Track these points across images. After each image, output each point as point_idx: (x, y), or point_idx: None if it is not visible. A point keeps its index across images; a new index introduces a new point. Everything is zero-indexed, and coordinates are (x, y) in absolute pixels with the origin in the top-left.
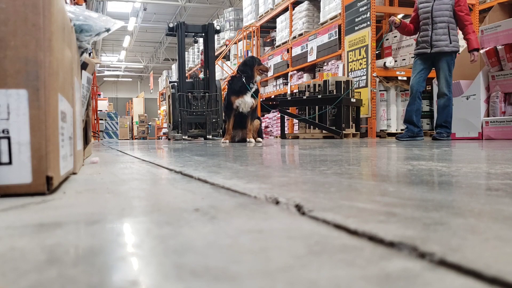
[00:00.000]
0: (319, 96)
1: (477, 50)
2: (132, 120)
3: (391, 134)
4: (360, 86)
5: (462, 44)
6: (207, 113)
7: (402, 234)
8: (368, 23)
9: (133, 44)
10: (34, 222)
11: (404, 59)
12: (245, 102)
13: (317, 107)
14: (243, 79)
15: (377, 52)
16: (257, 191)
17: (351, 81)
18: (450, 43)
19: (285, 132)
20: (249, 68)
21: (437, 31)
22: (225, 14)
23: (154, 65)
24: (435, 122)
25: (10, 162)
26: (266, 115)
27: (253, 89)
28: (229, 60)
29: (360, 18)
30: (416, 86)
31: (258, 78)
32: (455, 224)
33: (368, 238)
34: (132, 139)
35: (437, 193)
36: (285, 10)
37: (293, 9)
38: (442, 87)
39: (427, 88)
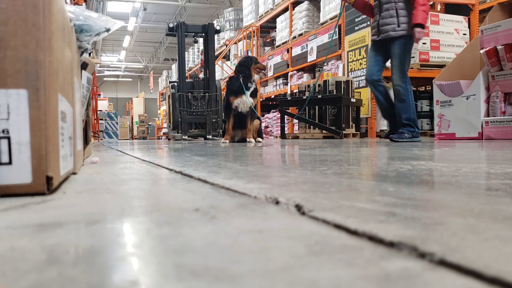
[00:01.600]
0: (319, 96)
1: (421, 26)
2: (132, 120)
3: None
4: (360, 86)
5: (461, 44)
6: (207, 113)
7: (402, 234)
8: (368, 23)
9: (133, 44)
10: (34, 222)
11: None
12: (244, 102)
13: (317, 107)
14: (241, 79)
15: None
16: (257, 191)
17: (351, 81)
18: (398, 26)
19: (285, 132)
20: (246, 68)
21: (383, 15)
22: (225, 14)
23: (154, 65)
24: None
25: (10, 162)
26: (266, 115)
27: (252, 89)
28: (229, 60)
29: (360, 18)
30: (369, 78)
31: (256, 77)
32: (455, 224)
33: (368, 238)
34: (132, 139)
35: (437, 193)
36: (285, 10)
37: (293, 9)
38: (395, 78)
39: (427, 88)
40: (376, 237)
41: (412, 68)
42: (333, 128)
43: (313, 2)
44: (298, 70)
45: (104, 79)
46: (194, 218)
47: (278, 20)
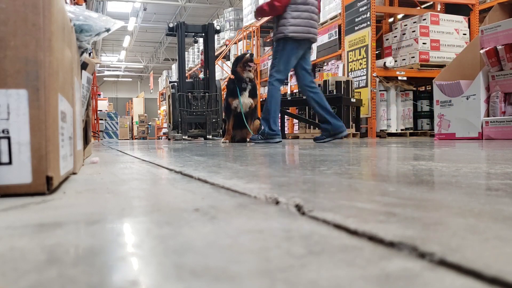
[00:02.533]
0: None
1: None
2: (132, 120)
3: (391, 134)
4: (360, 86)
5: (461, 44)
6: (207, 113)
7: (402, 234)
8: (368, 23)
9: (133, 44)
10: (34, 222)
11: (404, 59)
12: (243, 103)
13: None
14: (235, 82)
15: (377, 52)
16: (257, 191)
17: (351, 81)
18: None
19: (285, 132)
20: (234, 71)
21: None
22: (225, 14)
23: (154, 65)
24: None
25: (10, 162)
26: None
27: (248, 89)
28: (229, 60)
29: (360, 18)
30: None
31: (247, 74)
32: (455, 224)
33: (368, 238)
34: (132, 139)
35: (437, 193)
36: None
37: None
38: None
39: (427, 88)
40: (376, 237)
41: (412, 68)
42: None
43: None
44: None
45: (104, 79)
46: (194, 218)
47: None
